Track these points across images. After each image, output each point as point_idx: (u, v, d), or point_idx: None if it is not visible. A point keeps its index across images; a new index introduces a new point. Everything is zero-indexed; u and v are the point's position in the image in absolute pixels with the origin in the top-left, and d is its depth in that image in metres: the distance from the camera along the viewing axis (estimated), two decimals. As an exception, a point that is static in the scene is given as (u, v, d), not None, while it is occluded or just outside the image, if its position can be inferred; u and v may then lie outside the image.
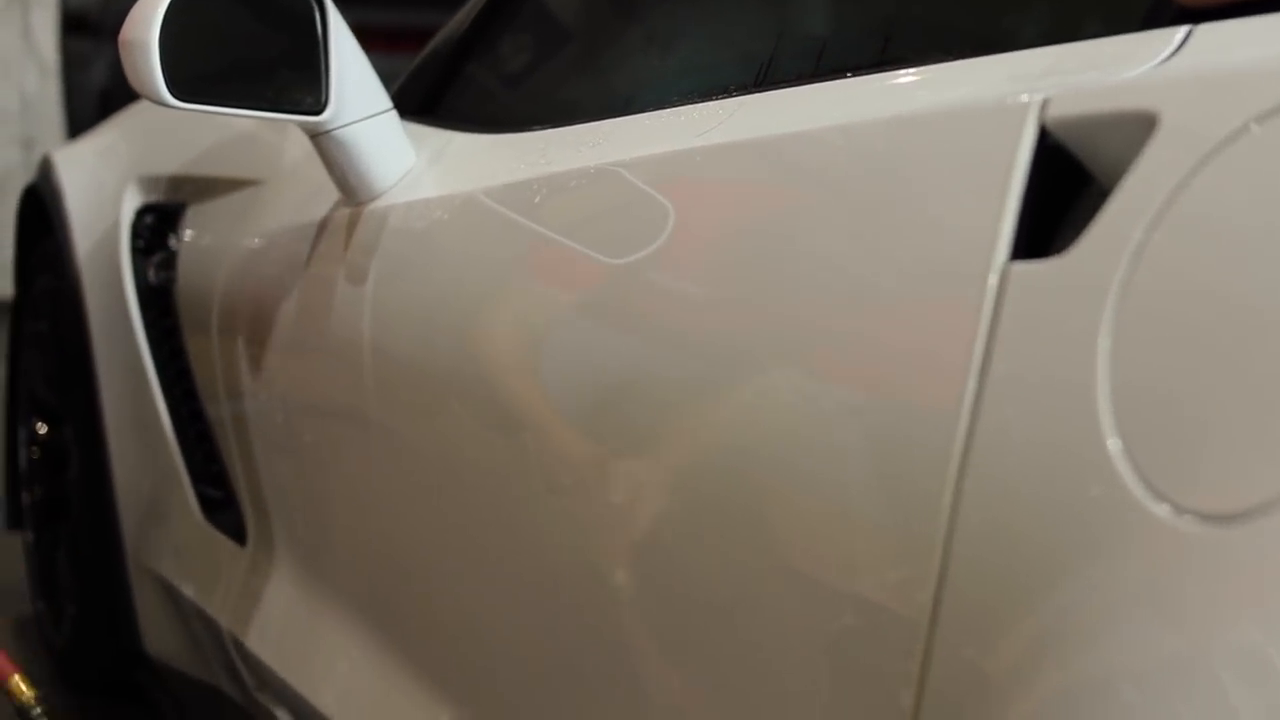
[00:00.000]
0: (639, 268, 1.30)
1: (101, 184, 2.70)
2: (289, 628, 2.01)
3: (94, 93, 7.74)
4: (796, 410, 1.08)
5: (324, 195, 1.86)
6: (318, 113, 1.69)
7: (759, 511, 1.10)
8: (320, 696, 1.89)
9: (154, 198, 2.56)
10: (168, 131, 2.71)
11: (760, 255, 1.17)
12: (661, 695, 1.25)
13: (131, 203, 2.59)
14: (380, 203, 1.73)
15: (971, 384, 0.95)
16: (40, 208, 2.94)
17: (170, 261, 2.46)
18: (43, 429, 3.04)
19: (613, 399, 1.30)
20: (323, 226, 1.85)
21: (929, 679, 0.96)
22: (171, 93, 1.60)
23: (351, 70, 1.70)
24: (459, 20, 2.02)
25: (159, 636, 2.55)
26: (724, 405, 1.17)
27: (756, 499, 1.10)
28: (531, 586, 1.45)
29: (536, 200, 1.49)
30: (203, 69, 1.64)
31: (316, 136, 1.74)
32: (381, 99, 1.74)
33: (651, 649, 1.25)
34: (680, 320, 1.24)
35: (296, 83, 1.69)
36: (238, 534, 2.22)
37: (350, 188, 1.77)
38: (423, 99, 1.94)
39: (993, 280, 0.96)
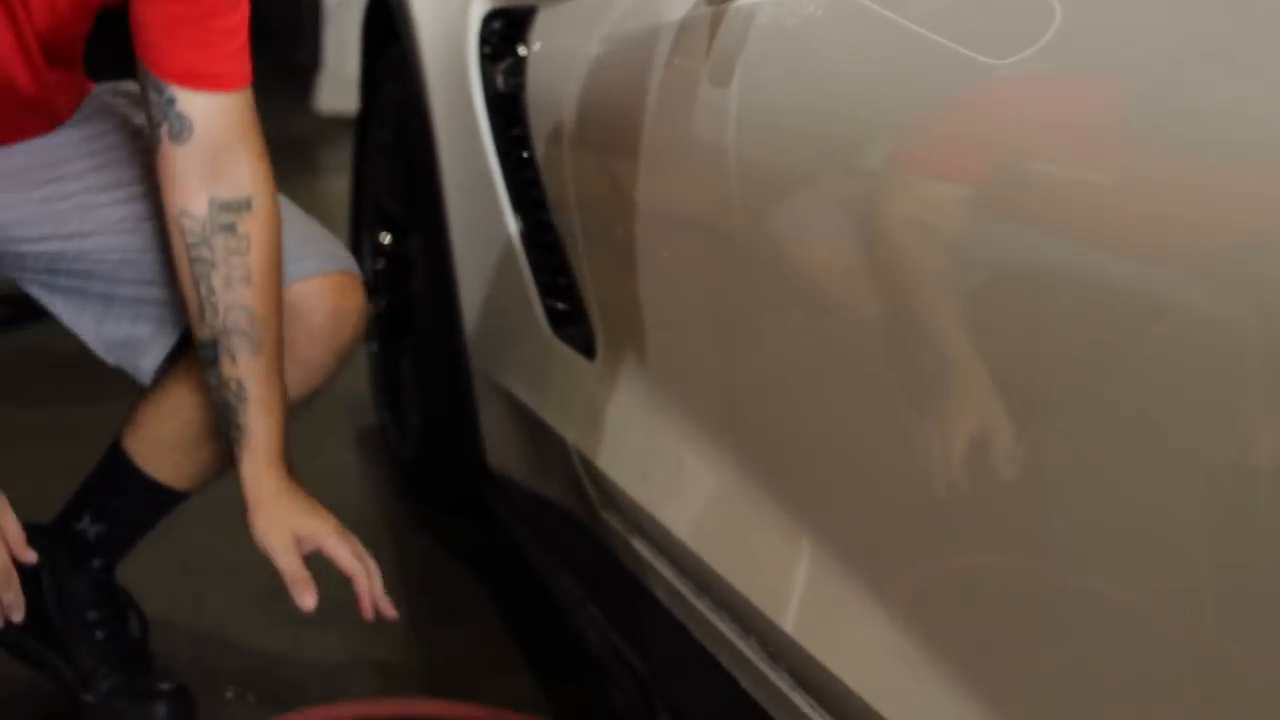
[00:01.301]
0: (1032, 68, 1.17)
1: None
2: (639, 446, 1.95)
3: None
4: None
5: (683, -6, 1.76)
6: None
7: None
8: (671, 518, 1.83)
9: (502, 2, 2.49)
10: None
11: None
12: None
13: (479, 8, 2.53)
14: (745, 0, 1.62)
15: None
16: (386, 15, 2.90)
17: (519, 68, 2.39)
18: (387, 240, 3.03)
19: (999, 204, 1.18)
20: (683, 27, 1.75)
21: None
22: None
23: None
24: None
25: (502, 451, 2.52)
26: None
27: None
28: (898, 421, 1.35)
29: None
30: None
31: (679, -71, 1.63)
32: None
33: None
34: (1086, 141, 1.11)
35: None
36: (586, 348, 2.17)
37: (716, -13, 1.66)
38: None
39: None
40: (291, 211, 1.97)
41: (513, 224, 2.37)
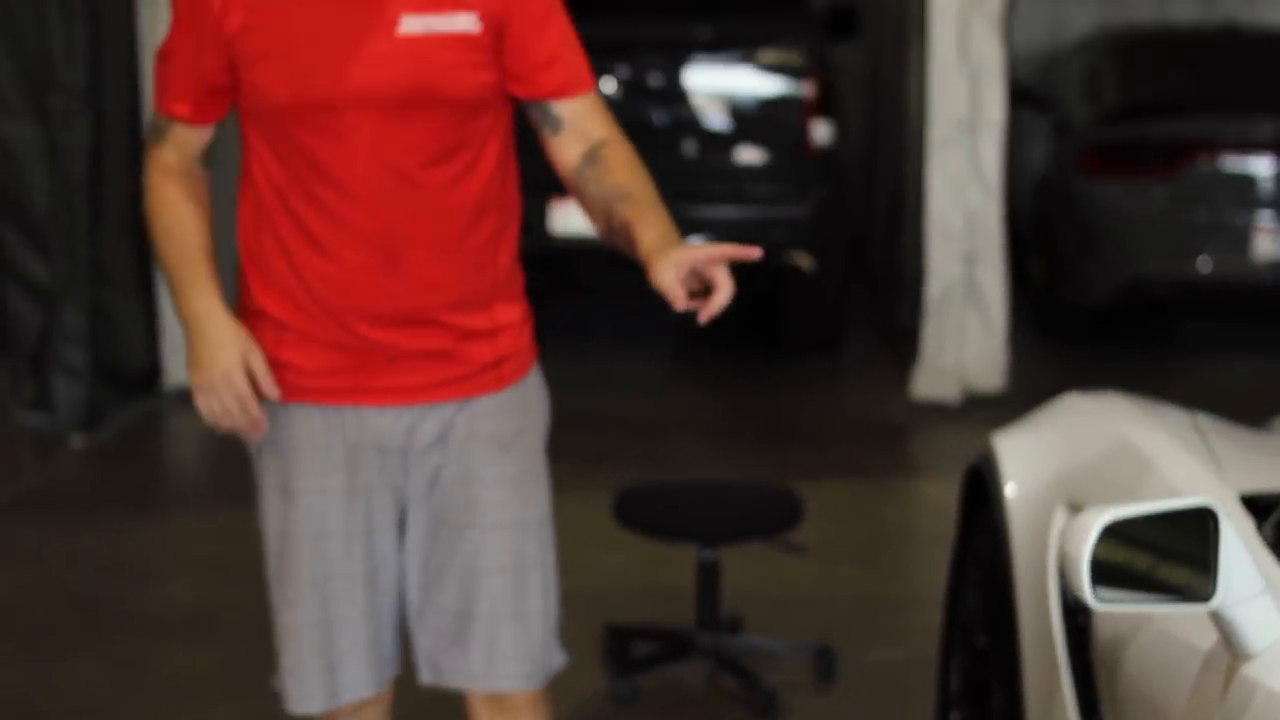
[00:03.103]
0: None
1: (1036, 485, 3.25)
2: None
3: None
4: None
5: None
6: (1206, 599, 2.19)
7: None
8: None
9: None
10: (1098, 450, 3.20)
11: None
12: None
13: (1061, 517, 3.12)
14: (1251, 670, 2.19)
15: None
16: (980, 482, 3.53)
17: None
18: (970, 662, 3.64)
19: None
20: (1207, 660, 2.33)
21: None
22: (1095, 595, 2.14)
23: (1236, 562, 2.18)
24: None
25: None
26: None
27: None
28: None
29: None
30: (1126, 571, 2.17)
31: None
32: (1255, 584, 2.20)
33: None
34: None
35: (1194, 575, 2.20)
36: None
37: (1228, 643, 2.25)
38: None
39: None
40: None
41: (1073, 712, 2.96)
